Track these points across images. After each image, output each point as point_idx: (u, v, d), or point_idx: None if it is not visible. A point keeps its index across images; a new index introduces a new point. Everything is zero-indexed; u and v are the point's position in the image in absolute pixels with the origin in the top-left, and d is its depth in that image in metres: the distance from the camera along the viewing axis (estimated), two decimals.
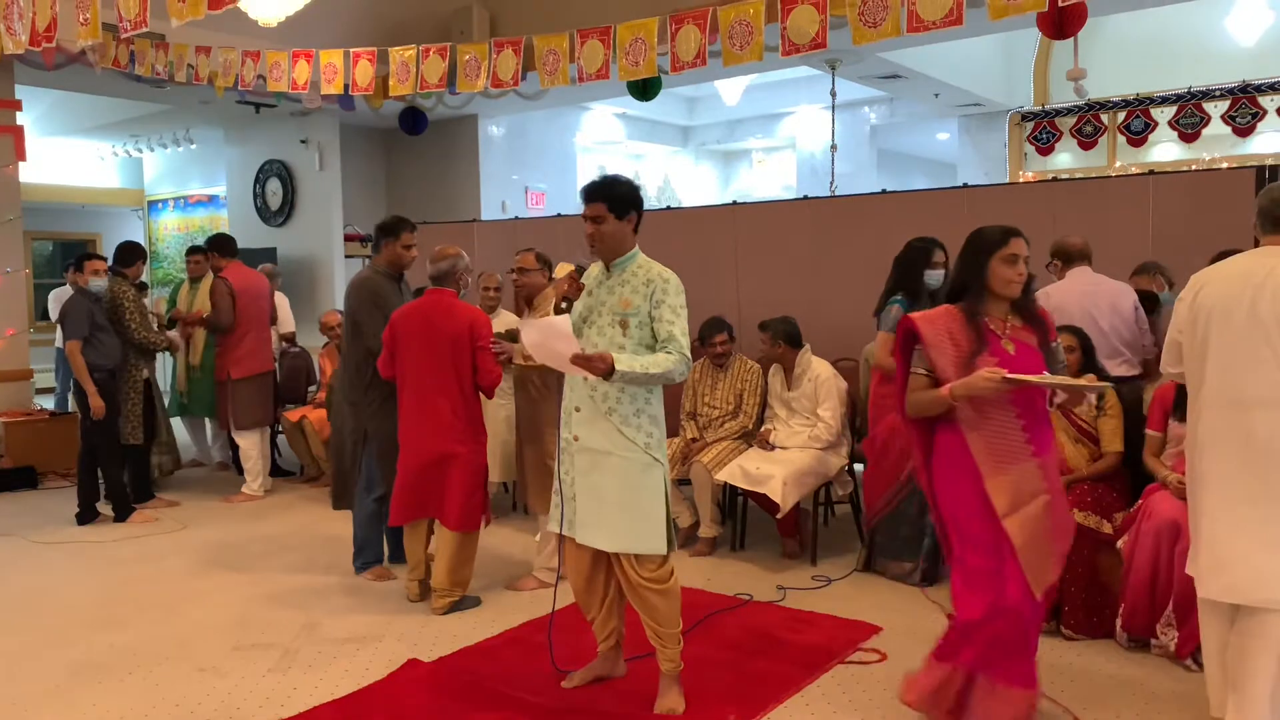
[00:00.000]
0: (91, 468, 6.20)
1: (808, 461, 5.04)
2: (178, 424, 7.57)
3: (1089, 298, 4.66)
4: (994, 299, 3.02)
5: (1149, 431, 4.00)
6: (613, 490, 3.27)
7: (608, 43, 5.40)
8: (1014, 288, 2.99)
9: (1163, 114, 10.20)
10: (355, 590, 4.78)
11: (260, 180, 10.91)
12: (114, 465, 6.20)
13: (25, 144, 7.92)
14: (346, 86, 6.49)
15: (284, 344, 8.03)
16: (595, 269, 3.42)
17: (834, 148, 10.65)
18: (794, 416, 5.28)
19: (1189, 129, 10.03)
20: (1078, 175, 9.92)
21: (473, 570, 4.52)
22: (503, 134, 10.97)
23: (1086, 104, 10.36)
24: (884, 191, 6.73)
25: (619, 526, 3.28)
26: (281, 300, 8.00)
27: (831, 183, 10.37)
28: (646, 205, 3.42)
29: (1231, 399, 2.83)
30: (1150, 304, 4.83)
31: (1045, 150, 11.11)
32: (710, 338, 5.42)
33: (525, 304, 4.86)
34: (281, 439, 7.54)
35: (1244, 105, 9.66)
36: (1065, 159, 11.39)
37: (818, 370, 5.23)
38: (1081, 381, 2.92)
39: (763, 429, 5.38)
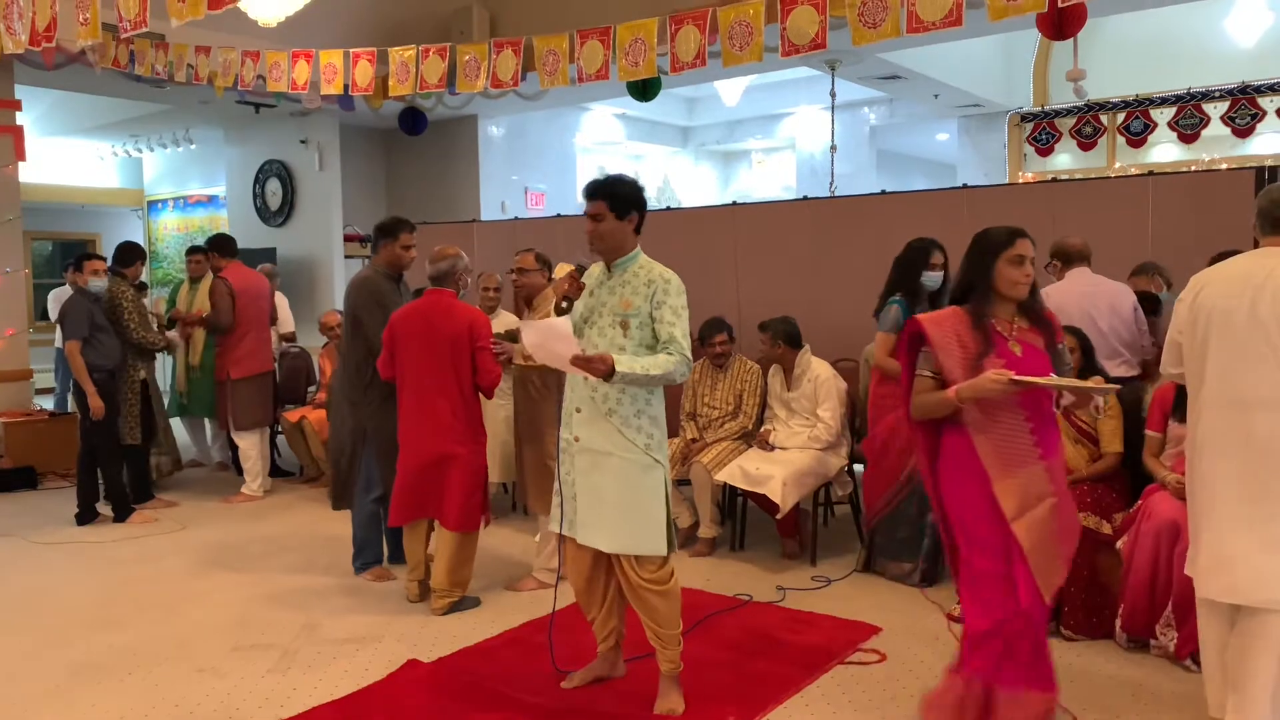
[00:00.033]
0: (91, 468, 6.20)
1: (807, 462, 5.04)
2: (177, 424, 7.56)
3: (1088, 298, 4.66)
4: (1000, 300, 3.00)
5: (1148, 432, 4.00)
6: (613, 491, 3.27)
7: (607, 43, 5.40)
8: (1020, 289, 2.98)
9: (1162, 115, 10.20)
10: (355, 591, 4.78)
11: (260, 180, 10.91)
12: (113, 465, 6.19)
13: (25, 144, 7.92)
14: (346, 87, 6.49)
15: (284, 344, 8.04)
16: (596, 269, 3.42)
17: (834, 148, 10.65)
18: (794, 417, 5.28)
19: (1188, 130, 10.04)
20: (1077, 176, 9.92)
21: (472, 571, 4.52)
22: (502, 134, 10.97)
23: (1086, 105, 10.36)
24: (883, 192, 6.73)
25: (619, 527, 3.28)
26: (281, 300, 8.00)
27: (831, 183, 10.37)
28: (648, 206, 3.41)
29: (1232, 399, 2.83)
30: (1151, 305, 4.84)
31: (1045, 151, 11.11)
32: (710, 338, 5.42)
33: (525, 304, 4.86)
34: (281, 439, 7.53)
35: (1243, 106, 9.67)
36: (1065, 160, 11.39)
37: (817, 371, 5.23)
38: (1088, 384, 2.90)
39: (762, 429, 5.38)
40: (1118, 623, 3.87)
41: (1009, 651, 2.89)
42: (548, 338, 3.13)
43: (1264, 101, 9.58)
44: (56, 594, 4.87)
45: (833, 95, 9.87)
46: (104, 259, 6.40)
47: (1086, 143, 10.81)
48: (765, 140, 14.30)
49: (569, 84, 5.68)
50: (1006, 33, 9.25)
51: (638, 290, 3.26)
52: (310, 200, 10.54)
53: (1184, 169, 8.79)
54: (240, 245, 7.39)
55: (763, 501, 5.05)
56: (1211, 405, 2.88)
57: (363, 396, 4.79)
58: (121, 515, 6.18)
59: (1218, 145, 10.28)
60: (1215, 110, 9.86)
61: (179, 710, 3.50)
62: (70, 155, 12.78)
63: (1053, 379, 2.89)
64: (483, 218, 10.22)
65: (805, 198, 7.93)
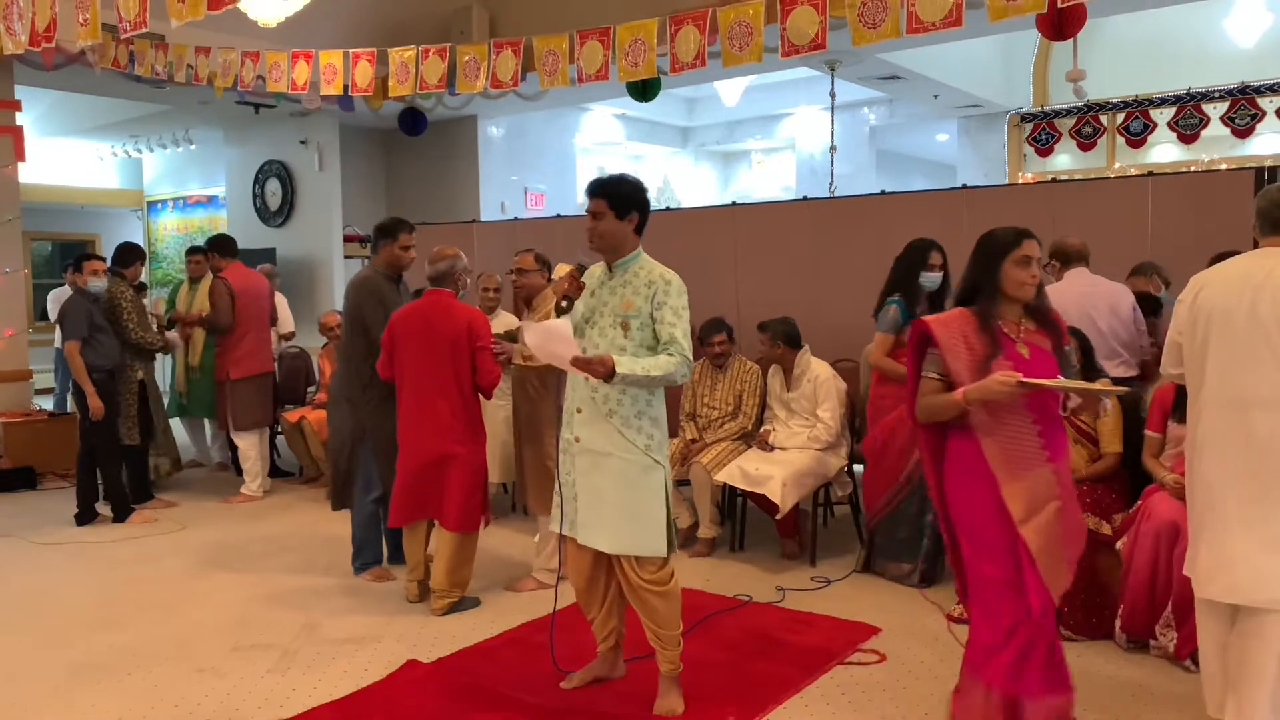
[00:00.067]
0: (90, 468, 6.20)
1: (807, 462, 5.04)
2: (176, 425, 7.56)
3: (1087, 299, 4.66)
4: (1007, 302, 2.98)
5: (1148, 433, 4.00)
6: (613, 492, 3.27)
7: (607, 43, 5.40)
8: (1027, 290, 2.96)
9: (1162, 115, 10.20)
10: (354, 591, 4.78)
11: (260, 181, 10.91)
12: (113, 466, 6.19)
13: (24, 144, 7.92)
14: (346, 87, 6.49)
15: (283, 344, 8.04)
16: (598, 269, 3.41)
17: (833, 149, 10.66)
18: (793, 417, 5.28)
19: (1188, 130, 10.04)
20: (1077, 176, 9.93)
21: (472, 571, 4.52)
22: (502, 135, 10.97)
23: (1086, 105, 10.36)
24: (883, 192, 6.73)
25: (619, 528, 3.28)
26: (281, 300, 8.00)
27: (831, 184, 10.37)
28: (650, 207, 3.40)
29: (1231, 399, 2.83)
30: (1152, 306, 4.84)
31: (1044, 151, 11.11)
32: (709, 338, 5.42)
33: (524, 305, 4.86)
34: (280, 440, 7.53)
35: (1243, 107, 9.67)
36: (1064, 160, 11.39)
37: (817, 371, 5.23)
38: (1096, 386, 2.88)
39: (762, 430, 5.38)
40: (1117, 623, 3.87)
41: (1025, 658, 2.86)
42: (548, 339, 3.13)
43: (1263, 102, 9.59)
44: (56, 594, 4.86)
45: (832, 96, 9.88)
46: (103, 259, 6.40)
47: (1086, 143, 10.82)
48: (765, 141, 14.30)
49: (569, 84, 5.67)
50: (1006, 33, 9.25)
51: (638, 291, 3.25)
52: (310, 201, 10.54)
53: (1184, 169, 8.79)
54: (240, 245, 7.39)
55: (762, 502, 5.05)
56: (1211, 405, 2.88)
57: (362, 395, 4.78)
58: (121, 515, 6.18)
59: (1217, 146, 10.29)
60: (1215, 111, 9.86)
61: (179, 710, 3.50)
62: (70, 155, 12.77)
63: (1060, 381, 2.87)
64: (482, 218, 10.22)
65: (805, 198, 7.93)
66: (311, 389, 7.83)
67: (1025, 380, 2.78)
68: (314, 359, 7.98)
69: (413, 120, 8.81)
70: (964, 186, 6.77)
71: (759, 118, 13.50)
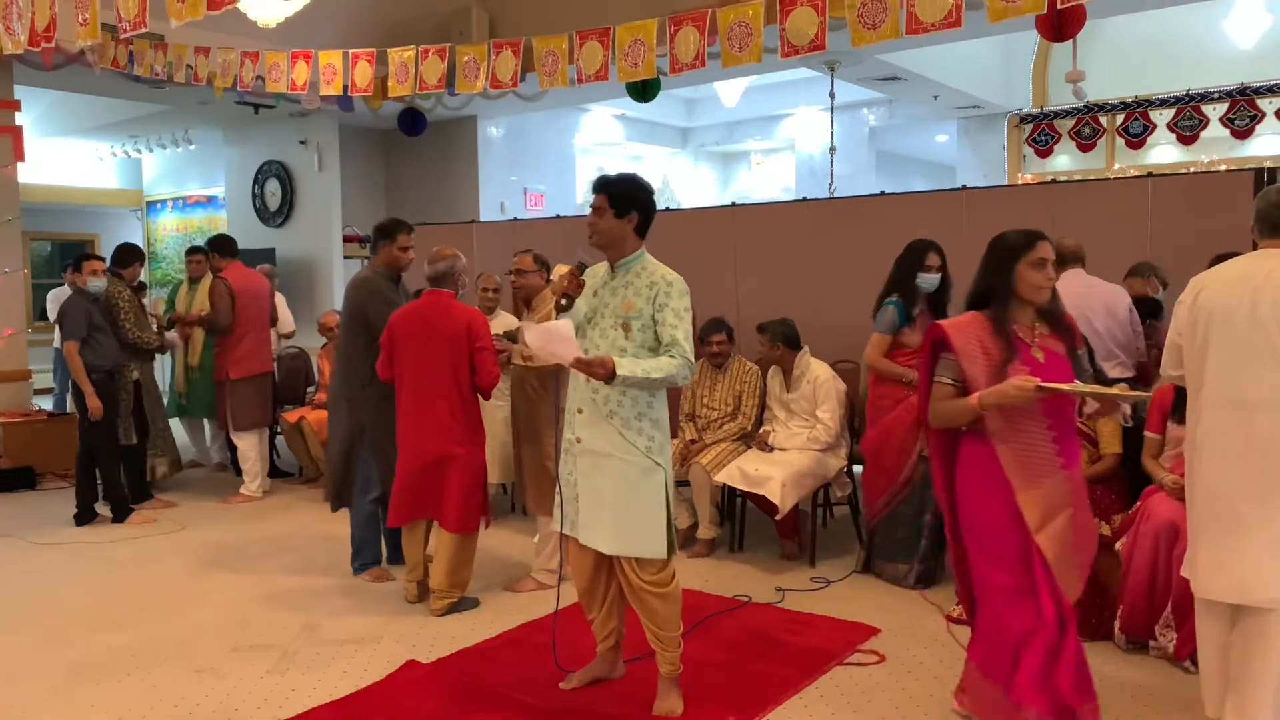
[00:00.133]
0: (90, 468, 6.19)
1: (806, 463, 5.04)
2: (176, 425, 7.56)
3: (1083, 300, 4.66)
4: (1020, 305, 2.95)
5: (1147, 434, 4.00)
6: (612, 493, 3.27)
7: (607, 44, 5.40)
8: (1043, 293, 2.93)
9: (1161, 116, 10.21)
10: (354, 591, 4.78)
11: (259, 181, 10.90)
12: (112, 466, 6.19)
13: (24, 144, 7.92)
14: (345, 87, 6.49)
15: (283, 343, 8.04)
16: (601, 269, 3.40)
17: (833, 149, 10.67)
18: (793, 418, 5.28)
19: (1187, 131, 10.05)
20: (1076, 177, 9.93)
21: (471, 572, 4.51)
22: (501, 135, 10.97)
23: (1085, 106, 10.37)
24: (883, 193, 6.73)
25: (619, 529, 3.28)
26: (280, 300, 8.00)
27: (830, 184, 10.37)
28: (653, 208, 3.38)
29: (1232, 400, 2.83)
30: (1152, 308, 4.84)
31: (1044, 152, 11.12)
32: (707, 337, 5.41)
33: (524, 305, 4.86)
34: (280, 440, 7.53)
35: (1242, 108, 9.68)
36: (1064, 161, 11.40)
37: (816, 372, 5.23)
38: (1115, 391, 2.84)
39: (761, 430, 5.38)
40: (1116, 624, 3.87)
41: (1053, 667, 2.83)
42: (550, 339, 3.13)
43: (1263, 103, 9.59)
44: (56, 594, 4.86)
45: (832, 96, 9.88)
46: (103, 259, 6.40)
47: (1086, 144, 10.82)
48: (764, 141, 14.31)
49: (568, 85, 5.67)
50: (1006, 34, 9.26)
51: (639, 292, 3.25)
52: (309, 201, 10.53)
53: (1183, 170, 8.80)
54: (239, 246, 7.39)
55: (762, 502, 5.05)
56: (1211, 406, 2.88)
57: (361, 393, 4.77)
58: (120, 516, 6.18)
59: (1217, 147, 10.29)
60: (1214, 112, 9.87)
61: (178, 711, 3.50)
62: (69, 156, 12.77)
63: (1079, 386, 2.84)
64: (482, 219, 10.22)
65: (804, 199, 7.92)
66: (311, 389, 7.83)
67: (1044, 385, 2.75)
68: (313, 359, 7.98)
69: (412, 121, 8.82)
70: (963, 187, 6.77)
71: (758, 118, 13.51)
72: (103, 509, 6.23)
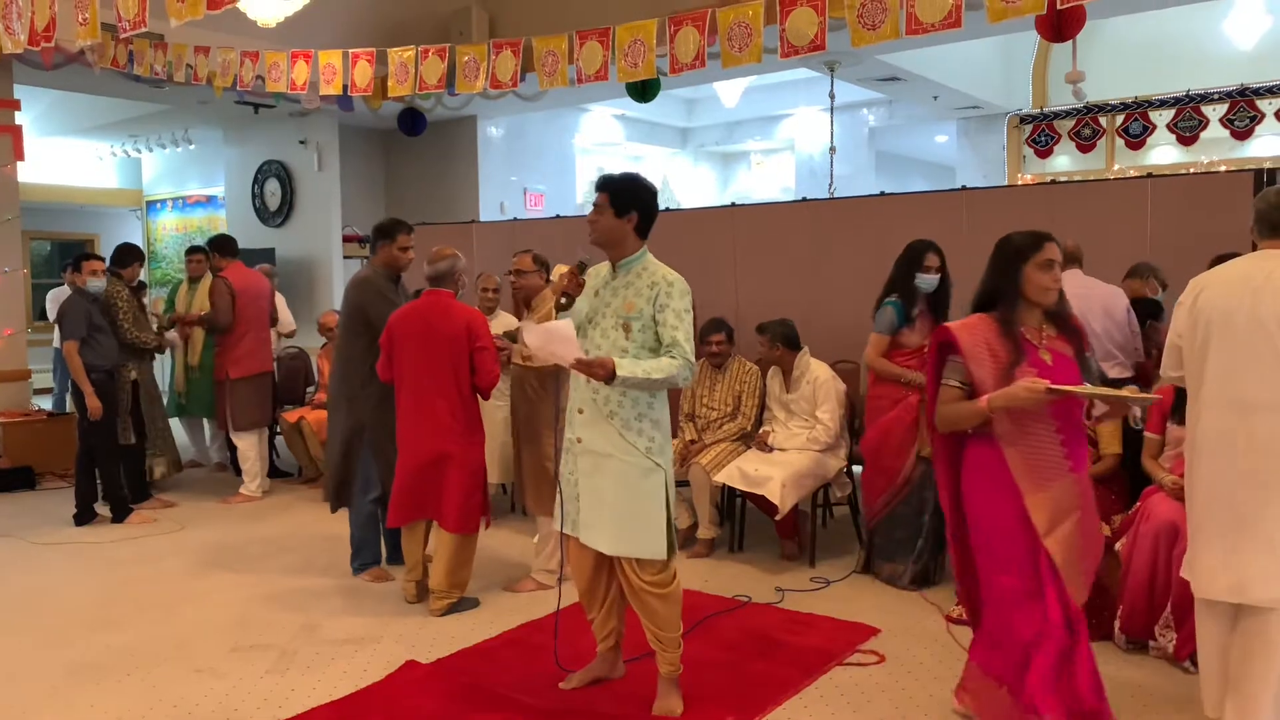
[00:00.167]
0: (89, 468, 6.19)
1: (806, 463, 5.04)
2: (176, 425, 7.55)
3: (1081, 300, 4.62)
4: (1028, 307, 2.94)
5: (1147, 434, 4.00)
6: (612, 493, 3.27)
7: (606, 44, 5.40)
8: (1050, 295, 2.92)
9: (1161, 117, 10.21)
10: (353, 591, 4.78)
11: (259, 181, 10.90)
12: (112, 466, 6.18)
13: (24, 144, 7.92)
14: (345, 87, 6.48)
15: (283, 342, 8.04)
16: (603, 269, 3.40)
17: (833, 150, 10.67)
18: (792, 418, 5.28)
19: (1187, 132, 10.05)
20: (1076, 178, 9.94)
21: (471, 572, 4.51)
22: (501, 135, 10.97)
23: (1085, 107, 10.37)
24: (882, 194, 6.73)
25: (619, 530, 3.27)
26: (280, 300, 8.00)
27: (830, 185, 10.38)
28: (655, 209, 3.37)
29: (1232, 401, 2.83)
30: (1153, 310, 4.84)
31: (1044, 153, 11.12)
32: (707, 337, 5.41)
33: (523, 305, 4.86)
34: (280, 440, 7.53)
35: (1242, 108, 9.68)
36: (1064, 161, 11.40)
37: (816, 372, 5.23)
38: (1125, 393, 2.83)
39: (761, 431, 5.38)
40: (1116, 624, 3.88)
41: (1070, 670, 2.82)
42: (550, 340, 3.13)
43: (1262, 104, 9.60)
44: (55, 594, 4.86)
45: (832, 97, 9.88)
46: (102, 259, 6.40)
47: (1085, 145, 10.83)
48: (764, 141, 14.31)
49: (568, 85, 5.67)
50: (1005, 34, 9.26)
51: (640, 292, 3.25)
52: (309, 201, 10.53)
53: (1183, 171, 8.81)
54: (239, 245, 7.39)
55: (761, 503, 5.05)
56: (1211, 407, 2.88)
57: (361, 392, 4.77)
58: (120, 516, 6.17)
59: (1216, 147, 10.30)
60: (1214, 112, 9.87)
61: (178, 710, 3.50)
62: (69, 155, 12.76)
63: (1089, 388, 2.83)
64: (481, 218, 10.22)
65: (804, 199, 7.92)
66: (310, 389, 7.82)
67: (1054, 387, 2.74)
68: (313, 359, 7.98)
69: (412, 120, 8.81)
70: (963, 188, 6.77)
71: (758, 119, 13.51)
72: (102, 509, 6.23)
